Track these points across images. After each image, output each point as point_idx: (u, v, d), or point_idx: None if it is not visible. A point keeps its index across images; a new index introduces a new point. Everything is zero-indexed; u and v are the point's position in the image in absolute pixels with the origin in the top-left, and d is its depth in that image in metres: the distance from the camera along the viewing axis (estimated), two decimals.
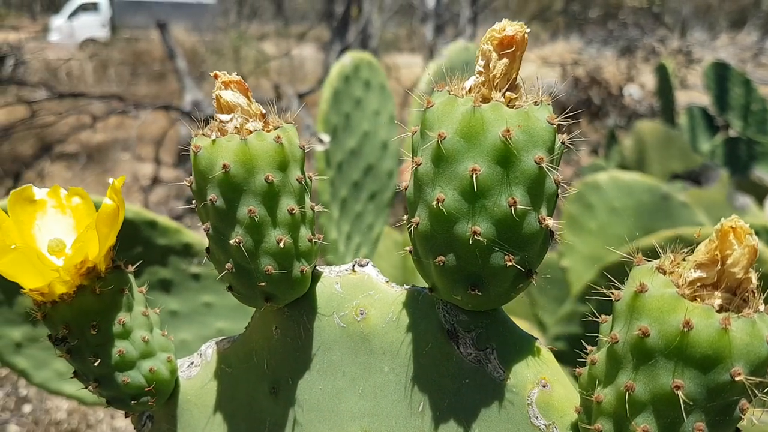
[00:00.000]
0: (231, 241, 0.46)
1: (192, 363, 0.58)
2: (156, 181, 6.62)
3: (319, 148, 1.65)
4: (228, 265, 0.48)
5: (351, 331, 0.50)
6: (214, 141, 0.45)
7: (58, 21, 14.77)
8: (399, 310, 0.49)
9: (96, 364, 0.51)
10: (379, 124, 1.79)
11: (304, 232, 0.49)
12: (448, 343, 0.47)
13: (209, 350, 0.57)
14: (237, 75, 0.48)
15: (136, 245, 1.47)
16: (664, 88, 4.06)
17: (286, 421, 0.52)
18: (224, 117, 0.47)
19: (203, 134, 0.47)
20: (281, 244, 0.47)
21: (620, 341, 0.38)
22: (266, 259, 0.47)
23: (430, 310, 0.48)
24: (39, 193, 0.55)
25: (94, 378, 0.52)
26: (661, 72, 4.03)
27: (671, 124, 3.79)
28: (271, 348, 0.53)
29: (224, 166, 0.45)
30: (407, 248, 0.46)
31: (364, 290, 0.50)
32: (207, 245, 0.50)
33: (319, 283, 0.52)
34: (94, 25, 14.25)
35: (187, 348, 1.58)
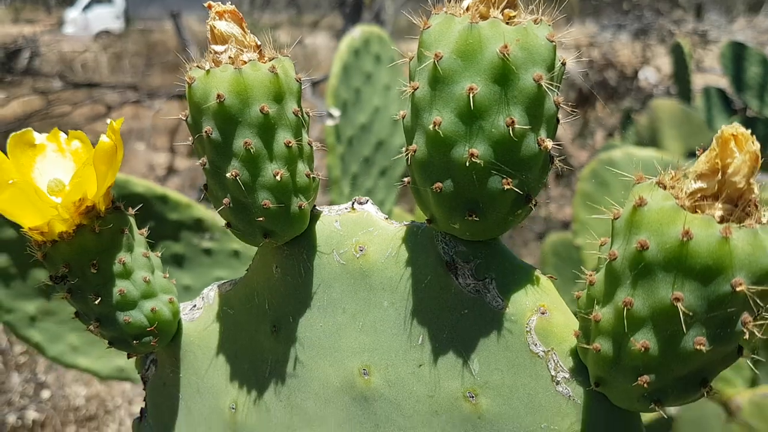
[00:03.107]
0: (227, 175, 0.46)
1: (194, 306, 0.58)
2: (171, 170, 6.66)
3: (330, 122, 1.65)
4: (225, 201, 0.48)
5: (351, 267, 0.50)
6: (208, 71, 0.45)
7: (72, 13, 14.86)
8: (398, 245, 0.48)
9: (97, 302, 0.51)
10: (390, 99, 1.78)
11: (302, 167, 0.48)
12: (446, 275, 0.46)
13: (211, 293, 0.57)
14: (231, 4, 0.47)
15: (148, 220, 1.48)
16: (680, 68, 3.99)
17: (288, 358, 0.52)
18: (218, 48, 0.46)
19: (197, 66, 0.46)
20: (278, 178, 0.46)
21: (619, 257, 0.37)
22: (263, 193, 0.47)
23: (428, 243, 0.47)
24: (39, 137, 0.55)
25: (96, 317, 0.53)
26: (677, 51, 3.96)
27: (688, 104, 3.73)
28: (272, 288, 0.53)
29: (218, 96, 0.44)
30: (405, 179, 0.45)
31: (364, 227, 0.50)
32: (207, 195, 0.50)
33: (318, 222, 0.51)
34: (108, 18, 14.32)
35: None
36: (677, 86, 4.06)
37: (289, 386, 0.52)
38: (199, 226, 1.53)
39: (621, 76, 5.96)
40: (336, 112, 1.66)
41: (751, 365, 0.46)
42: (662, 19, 6.62)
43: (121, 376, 1.51)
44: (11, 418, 3.98)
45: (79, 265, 0.51)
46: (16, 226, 1.34)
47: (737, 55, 3.94)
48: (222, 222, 1.58)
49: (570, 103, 0.42)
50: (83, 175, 0.49)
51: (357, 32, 1.70)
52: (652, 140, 2.99)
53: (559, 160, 0.43)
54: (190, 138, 0.49)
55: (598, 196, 2.01)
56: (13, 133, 0.55)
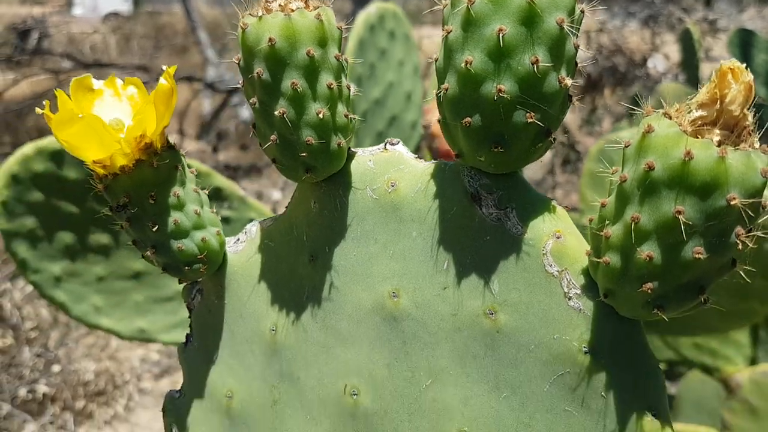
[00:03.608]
0: (275, 113, 0.51)
1: (238, 240, 0.63)
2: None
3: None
4: (273, 137, 0.53)
5: (383, 202, 0.55)
6: (260, 18, 0.50)
7: None
8: (427, 180, 0.53)
9: (154, 230, 0.57)
10: (403, 74, 1.83)
11: (341, 108, 0.53)
12: (471, 206, 0.51)
13: (253, 228, 0.62)
14: None
15: None
16: (689, 54, 4.01)
17: (324, 285, 0.58)
18: None
19: (250, 14, 0.51)
20: (321, 116, 0.51)
21: (628, 179, 0.42)
22: (307, 130, 0.52)
23: (455, 178, 0.52)
24: (97, 83, 0.61)
25: (152, 245, 0.58)
26: (686, 36, 3.98)
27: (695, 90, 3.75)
28: (310, 221, 0.58)
29: (270, 40, 0.49)
30: (437, 118, 0.50)
31: (395, 165, 0.55)
32: (252, 123, 0.55)
33: (353, 161, 0.57)
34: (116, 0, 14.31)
35: None
36: (685, 73, 4.08)
37: (324, 309, 0.58)
38: (218, 194, 1.58)
39: (630, 63, 5.96)
40: (351, 87, 1.70)
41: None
42: (672, 6, 6.60)
43: (141, 337, 1.58)
44: (22, 392, 4.07)
45: (138, 196, 0.56)
46: (45, 190, 1.39)
47: (745, 42, 3.96)
48: (239, 192, 1.63)
49: (577, 88, 0.46)
50: (145, 112, 0.54)
51: (372, 8, 1.74)
52: None
53: (565, 146, 0.48)
54: (241, 81, 0.54)
55: (605, 176, 2.05)
56: (75, 78, 0.60)
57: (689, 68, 3.97)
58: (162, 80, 0.55)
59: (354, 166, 0.56)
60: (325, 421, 0.58)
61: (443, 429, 0.53)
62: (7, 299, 5.14)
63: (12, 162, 1.37)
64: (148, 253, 0.59)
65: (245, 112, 7.67)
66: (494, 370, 0.51)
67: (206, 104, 8.03)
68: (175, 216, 0.58)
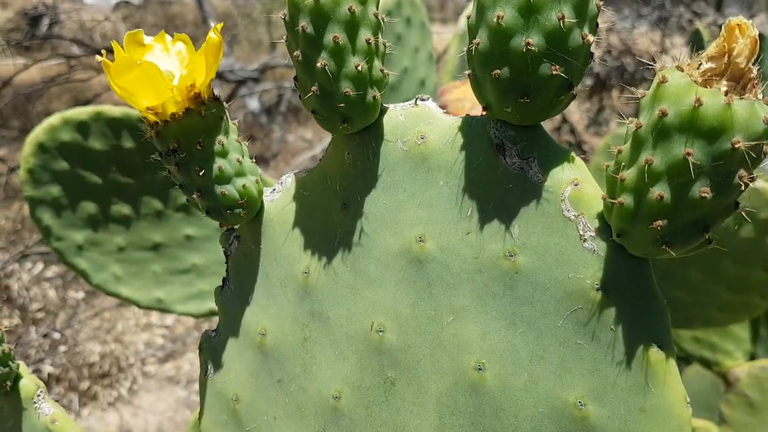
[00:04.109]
0: (317, 65, 0.56)
1: (274, 190, 0.68)
2: None
3: None
4: (314, 88, 0.57)
5: (412, 153, 0.59)
6: None
7: None
8: (454, 133, 0.58)
9: (201, 174, 0.61)
10: (418, 61, 1.87)
11: (377, 63, 0.58)
12: (496, 156, 0.56)
13: (288, 179, 0.67)
14: None
15: None
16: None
17: (354, 230, 0.62)
18: None
19: None
20: (359, 69, 0.56)
21: (643, 126, 0.47)
22: (346, 82, 0.56)
23: (481, 130, 0.57)
24: (147, 38, 0.65)
25: (197, 188, 0.63)
26: (696, 38, 4.01)
27: None
28: (343, 172, 0.63)
29: None
30: (466, 72, 0.55)
31: (425, 119, 0.59)
32: (294, 76, 0.60)
33: (385, 115, 0.61)
34: None
35: None
36: None
37: (354, 254, 0.62)
38: None
39: (638, 64, 5.99)
40: (386, 44, 1.75)
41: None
42: (682, 8, 6.61)
43: (158, 306, 1.62)
44: None
45: (186, 142, 0.61)
46: (70, 160, 1.44)
47: None
48: (257, 169, 1.66)
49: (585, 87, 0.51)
50: (196, 62, 0.59)
51: None
52: None
53: (572, 145, 0.53)
54: (285, 36, 0.58)
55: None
56: (129, 32, 0.64)
57: None
58: (212, 34, 0.59)
59: (386, 119, 0.61)
60: (353, 356, 0.62)
61: (462, 361, 0.57)
62: (14, 280, 5.19)
63: (39, 131, 1.42)
64: (194, 196, 0.63)
65: (253, 103, 7.71)
66: (512, 308, 0.55)
67: (215, 93, 8.04)
68: (219, 162, 0.62)
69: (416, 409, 0.59)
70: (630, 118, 0.50)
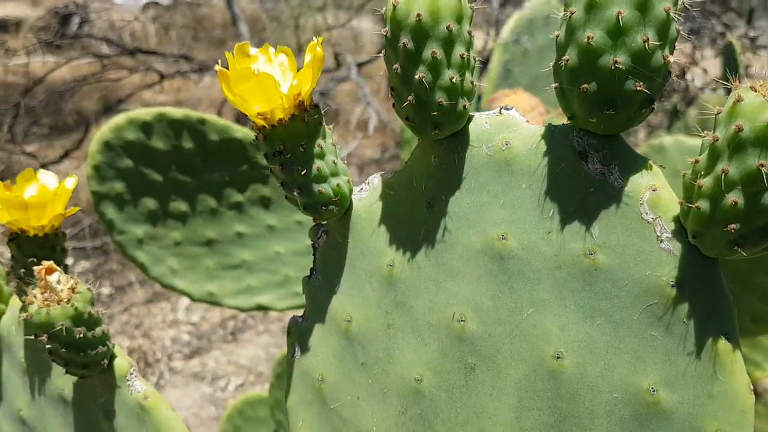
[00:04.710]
0: (415, 77, 0.62)
1: (361, 189, 0.74)
2: None
3: None
4: (410, 98, 0.63)
5: (496, 158, 0.65)
6: None
7: None
8: (538, 140, 0.63)
9: (302, 174, 0.68)
10: None
11: (468, 76, 0.64)
12: (578, 162, 0.61)
13: (375, 180, 0.73)
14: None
15: (243, 163, 1.66)
16: (731, 68, 4.05)
17: (439, 228, 0.68)
18: None
19: None
20: (453, 81, 0.62)
21: (720, 139, 0.52)
22: (440, 93, 0.62)
23: (564, 138, 0.62)
24: (253, 50, 0.72)
25: (297, 186, 0.69)
26: (729, 50, 4.02)
27: None
28: (429, 174, 0.69)
29: (418, 15, 0.60)
30: (554, 84, 0.60)
31: (509, 127, 0.65)
32: (390, 86, 0.66)
33: (471, 123, 0.67)
34: None
35: (279, 260, 1.77)
36: (726, 87, 4.11)
37: (437, 249, 0.68)
38: None
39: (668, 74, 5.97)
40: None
41: None
42: (713, 21, 6.59)
43: (210, 299, 1.70)
44: None
45: (291, 145, 0.67)
46: (134, 157, 1.52)
47: None
48: None
49: None
50: (305, 73, 0.65)
51: None
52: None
53: None
54: (383, 50, 0.64)
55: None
56: (237, 44, 0.71)
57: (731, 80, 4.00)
58: (318, 48, 0.66)
59: (471, 127, 0.66)
60: (434, 343, 0.68)
61: (542, 350, 0.63)
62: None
63: (105, 130, 1.50)
64: (294, 193, 0.69)
65: None
66: (590, 302, 0.61)
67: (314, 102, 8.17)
68: (318, 164, 0.69)
69: (495, 392, 0.65)
70: (706, 132, 0.55)
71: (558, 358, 0.62)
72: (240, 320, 5.17)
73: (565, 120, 0.63)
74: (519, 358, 0.64)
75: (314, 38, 0.68)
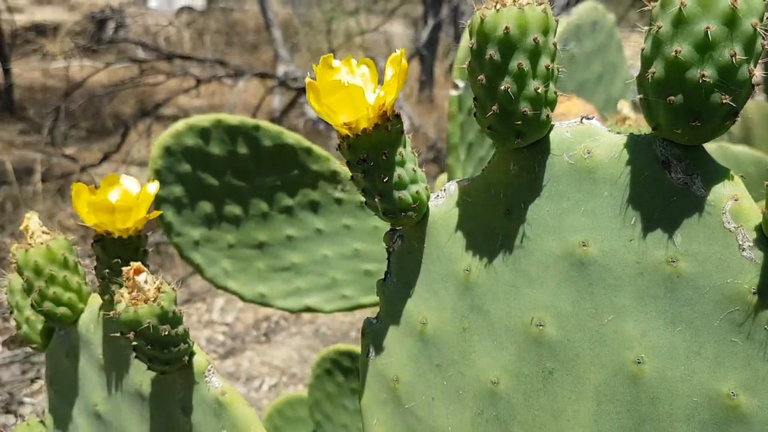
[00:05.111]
0: (501, 87, 0.64)
1: (438, 196, 0.76)
2: None
3: (453, 93, 1.82)
4: (494, 108, 0.65)
5: (578, 166, 0.67)
6: (498, 10, 0.63)
7: None
8: (620, 149, 0.65)
9: (384, 181, 0.70)
10: None
11: (552, 86, 0.66)
12: (661, 171, 0.63)
13: (452, 187, 0.75)
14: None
15: (294, 168, 1.70)
16: None
17: (517, 234, 0.70)
18: None
19: (485, 8, 0.64)
20: (538, 92, 0.64)
21: None
22: (524, 103, 0.64)
23: (646, 147, 0.64)
24: (336, 62, 0.74)
25: (378, 193, 0.72)
26: None
27: None
28: (508, 181, 0.71)
29: (506, 28, 0.62)
30: (638, 96, 0.62)
31: (591, 136, 0.67)
32: (473, 96, 0.68)
33: (552, 132, 0.69)
34: None
35: (327, 263, 1.80)
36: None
37: (515, 255, 0.70)
38: (334, 177, 1.73)
39: None
40: (461, 83, 1.83)
41: None
42: None
43: (261, 301, 1.74)
44: None
45: (374, 153, 0.70)
46: (192, 163, 1.56)
47: None
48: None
49: None
50: (390, 84, 0.68)
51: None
52: (743, 139, 3.04)
53: None
54: (467, 61, 0.67)
55: None
56: (322, 56, 0.74)
57: None
58: (403, 60, 0.68)
59: (552, 135, 0.68)
60: (511, 347, 0.70)
61: (622, 355, 0.64)
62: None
63: (166, 136, 1.55)
64: (375, 199, 0.72)
65: (312, 111, 7.88)
66: (671, 309, 0.62)
67: (276, 101, 8.29)
68: (398, 171, 0.71)
69: (574, 396, 0.67)
70: None
71: (639, 363, 0.63)
72: (273, 321, 5.23)
73: (622, 127, 0.64)
74: (599, 362, 0.65)
75: (396, 50, 0.70)
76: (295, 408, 2.61)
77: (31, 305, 0.95)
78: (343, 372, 2.40)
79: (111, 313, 0.82)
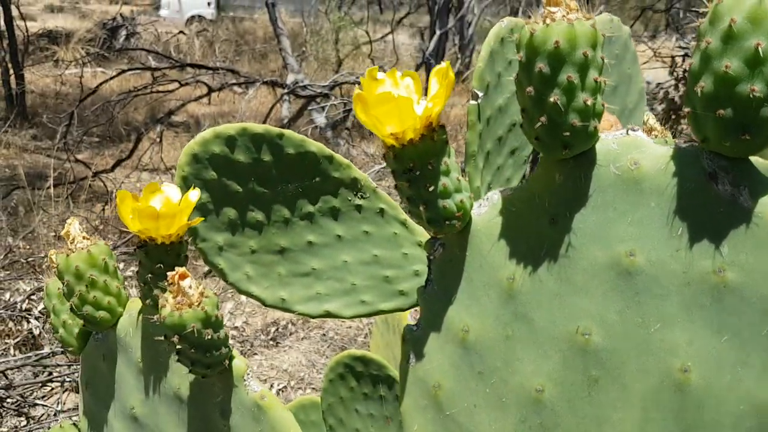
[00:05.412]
0: (550, 99, 0.65)
1: (480, 205, 0.77)
2: None
3: (473, 102, 1.84)
4: (543, 119, 0.66)
5: (625, 177, 0.68)
6: (547, 25, 0.64)
7: None
8: (667, 161, 0.66)
9: (430, 190, 0.72)
10: None
11: (600, 99, 0.67)
12: (708, 183, 0.64)
13: (495, 196, 0.76)
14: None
15: (316, 175, 1.71)
16: None
17: (562, 243, 0.71)
18: (553, 9, 0.65)
19: (534, 22, 0.65)
20: (588, 104, 0.65)
21: None
22: (573, 114, 0.65)
23: (693, 159, 0.65)
24: (380, 74, 0.76)
25: (423, 201, 0.73)
26: None
27: None
28: (552, 191, 0.72)
29: (556, 42, 0.63)
30: (686, 109, 0.63)
31: (637, 147, 0.68)
32: (520, 108, 0.69)
33: (598, 143, 0.70)
34: (201, 4, 14.99)
35: (347, 269, 1.81)
36: None
37: (560, 264, 0.71)
38: (354, 185, 1.74)
39: None
40: (480, 93, 1.85)
41: None
42: None
43: (282, 306, 1.74)
44: None
45: (420, 163, 0.71)
46: (218, 170, 1.58)
47: None
48: (372, 184, 1.79)
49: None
50: (438, 96, 0.69)
51: (504, 21, 1.88)
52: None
53: None
54: (515, 74, 0.68)
55: None
56: (369, 68, 0.75)
57: None
58: (450, 73, 0.70)
59: (599, 147, 0.69)
60: (555, 355, 0.71)
61: (669, 364, 0.65)
62: None
63: (193, 143, 1.57)
64: (420, 208, 0.73)
65: (320, 118, 7.93)
66: (718, 318, 0.63)
67: (284, 109, 8.33)
68: (443, 180, 0.72)
69: (620, 404, 0.67)
70: None
71: (685, 371, 0.64)
72: (281, 326, 5.24)
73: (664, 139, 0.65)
74: (645, 370, 0.66)
75: (442, 63, 0.72)
76: (308, 411, 2.61)
77: (71, 309, 0.96)
78: (356, 377, 2.41)
79: (155, 317, 0.83)
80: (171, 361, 0.94)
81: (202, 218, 0.92)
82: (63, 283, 0.96)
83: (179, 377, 0.93)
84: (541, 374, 0.72)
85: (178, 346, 0.82)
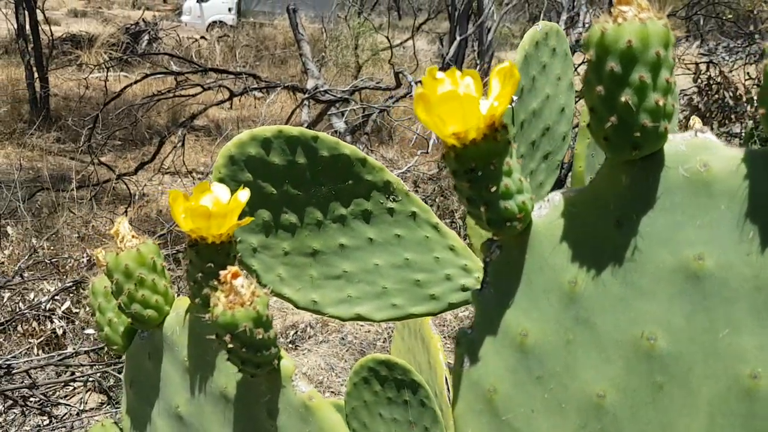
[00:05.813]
0: (621, 99, 0.64)
1: (541, 207, 0.76)
2: None
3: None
4: (612, 119, 0.65)
5: (694, 179, 0.66)
6: (619, 24, 0.63)
7: (189, 2, 15.81)
8: (738, 163, 0.65)
9: (491, 191, 0.71)
10: (559, 89, 1.94)
11: (671, 99, 0.66)
12: None
13: (556, 197, 0.75)
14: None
15: (349, 178, 1.71)
16: None
17: (628, 247, 0.69)
18: (624, 8, 0.64)
19: (605, 21, 0.64)
20: (660, 104, 0.64)
21: None
22: (644, 114, 0.64)
23: (766, 161, 0.63)
24: (439, 73, 0.75)
25: (484, 202, 0.72)
26: None
27: None
28: (618, 193, 0.71)
29: (628, 41, 0.62)
30: (761, 110, 0.62)
31: (707, 149, 0.66)
32: (590, 106, 0.68)
33: (666, 145, 0.69)
34: (222, 9, 15.14)
35: (378, 272, 1.81)
36: None
37: (625, 268, 0.70)
38: (387, 187, 1.74)
39: (736, 99, 5.84)
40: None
41: None
42: None
43: (313, 308, 1.74)
44: None
45: (482, 163, 0.70)
46: (253, 172, 1.57)
47: None
48: (405, 187, 1.79)
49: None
50: (503, 95, 0.68)
51: (540, 25, 1.86)
52: None
53: None
54: (584, 73, 0.67)
55: None
56: (429, 67, 0.74)
57: None
58: (515, 71, 0.69)
59: (667, 148, 0.68)
60: (619, 361, 0.70)
61: (737, 369, 0.63)
62: None
63: (230, 145, 1.57)
64: (481, 209, 0.72)
65: (339, 123, 7.95)
66: None
67: (304, 113, 8.37)
68: (506, 181, 0.71)
69: (685, 410, 0.66)
70: None
71: (755, 377, 0.62)
72: (300, 329, 5.24)
73: None
74: (712, 376, 0.65)
75: (506, 62, 0.71)
76: None
77: (119, 307, 0.96)
78: (381, 381, 2.40)
79: (206, 316, 0.83)
80: (218, 360, 0.94)
81: (252, 218, 0.92)
82: (111, 282, 0.96)
83: (226, 376, 0.93)
84: (603, 380, 0.70)
85: (230, 345, 0.81)
